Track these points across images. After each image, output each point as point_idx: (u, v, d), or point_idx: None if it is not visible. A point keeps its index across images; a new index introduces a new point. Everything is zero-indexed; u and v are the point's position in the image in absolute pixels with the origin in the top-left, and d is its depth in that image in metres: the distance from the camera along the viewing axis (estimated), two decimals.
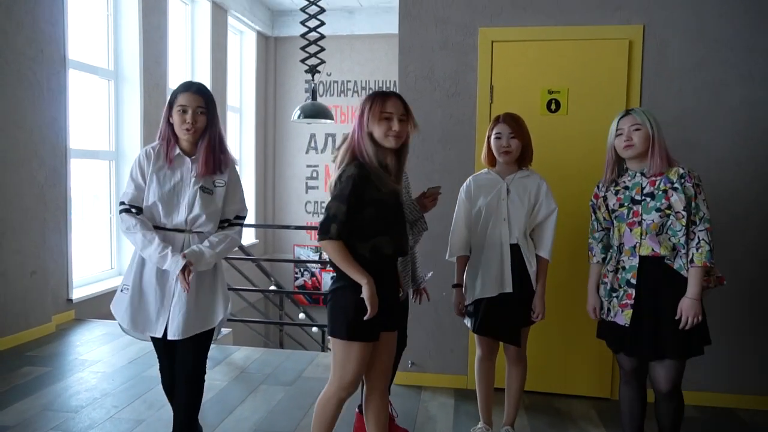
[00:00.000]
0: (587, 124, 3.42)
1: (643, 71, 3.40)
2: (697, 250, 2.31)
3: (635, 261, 2.40)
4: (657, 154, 2.37)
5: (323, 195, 8.80)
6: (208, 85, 6.92)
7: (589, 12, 3.42)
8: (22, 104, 4.31)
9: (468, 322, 2.86)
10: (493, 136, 2.72)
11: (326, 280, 8.79)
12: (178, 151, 2.34)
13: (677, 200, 2.33)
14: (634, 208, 2.41)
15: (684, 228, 2.33)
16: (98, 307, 5.09)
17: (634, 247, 2.40)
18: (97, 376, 3.69)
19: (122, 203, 2.35)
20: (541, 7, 3.46)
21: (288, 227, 8.46)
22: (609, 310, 2.51)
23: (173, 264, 2.23)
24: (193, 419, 2.51)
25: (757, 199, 3.33)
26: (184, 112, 2.29)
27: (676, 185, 2.34)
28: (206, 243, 2.33)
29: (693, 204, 2.33)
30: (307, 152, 8.87)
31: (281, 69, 8.83)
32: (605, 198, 2.52)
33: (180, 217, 2.32)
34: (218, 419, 3.15)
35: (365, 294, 2.10)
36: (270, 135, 8.88)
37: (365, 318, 2.12)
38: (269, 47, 8.78)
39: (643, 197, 2.39)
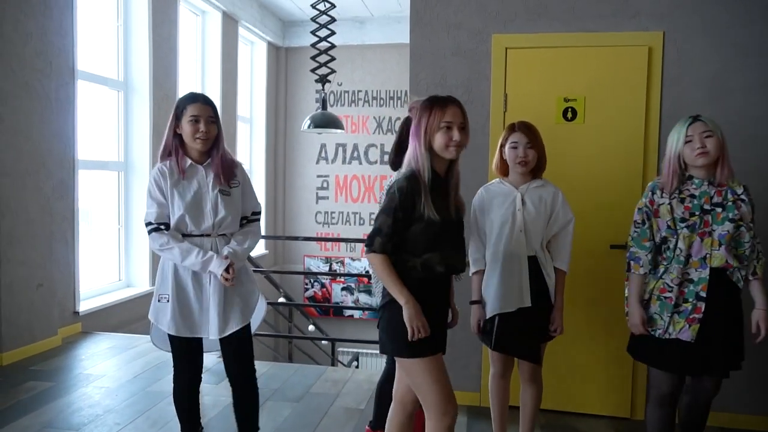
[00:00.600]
0: (605, 133, 3.31)
1: (663, 79, 3.29)
2: (758, 261, 2.35)
3: (705, 273, 2.30)
4: (726, 163, 2.33)
5: (333, 205, 8.73)
6: (218, 96, 6.98)
7: (605, 19, 3.32)
8: (30, 116, 4.28)
9: (485, 339, 2.74)
10: (508, 146, 2.61)
11: (336, 291, 8.71)
12: (189, 161, 2.40)
13: (746, 211, 2.32)
14: (705, 217, 2.32)
15: (751, 240, 2.34)
16: (105, 319, 5.04)
17: (704, 258, 2.31)
18: (101, 391, 3.61)
19: (149, 223, 2.39)
20: (556, 13, 3.37)
21: (296, 238, 8.38)
22: (668, 326, 2.35)
23: (218, 265, 2.33)
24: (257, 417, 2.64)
25: None
26: (197, 121, 2.35)
27: (743, 196, 2.33)
28: (234, 242, 2.44)
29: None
30: (317, 162, 8.80)
31: (292, 79, 8.80)
32: (671, 206, 2.36)
33: (207, 222, 2.39)
34: None
35: (406, 315, 2.01)
36: (280, 145, 8.83)
37: (409, 339, 2.01)
38: (280, 57, 8.75)
39: (713, 207, 2.32)
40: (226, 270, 2.34)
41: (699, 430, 2.54)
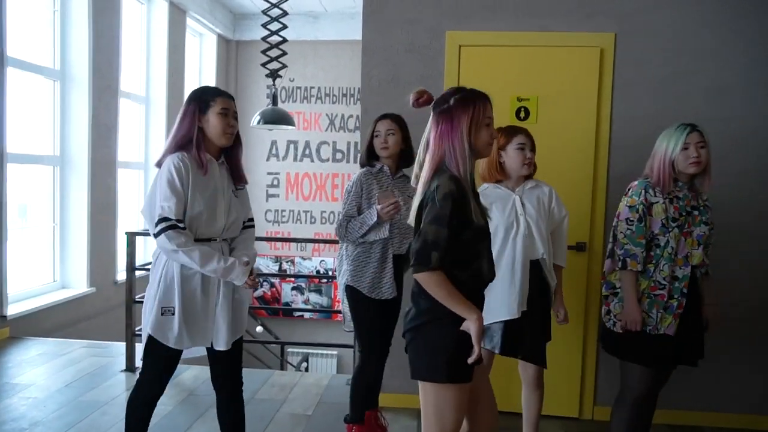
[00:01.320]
0: (557, 133, 3.30)
1: (615, 80, 3.30)
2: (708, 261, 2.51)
3: (688, 270, 2.40)
4: (710, 172, 2.43)
5: (284, 203, 8.54)
6: (164, 88, 6.70)
7: (561, 18, 3.31)
8: None
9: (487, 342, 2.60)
10: (514, 147, 2.55)
11: (286, 290, 8.52)
12: (209, 156, 2.21)
13: (710, 216, 2.48)
14: (688, 219, 2.43)
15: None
16: (37, 323, 4.73)
17: (686, 256, 2.40)
18: (27, 402, 3.36)
19: (166, 219, 2.09)
20: (511, 11, 3.33)
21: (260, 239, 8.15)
22: (658, 323, 2.39)
23: (241, 272, 2.17)
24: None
25: (730, 212, 3.25)
26: (226, 115, 2.19)
27: (707, 203, 2.49)
28: (243, 250, 2.30)
29: None
30: (268, 159, 8.59)
31: (243, 73, 8.55)
32: (665, 206, 2.40)
33: (219, 223, 2.22)
34: None
35: (474, 331, 1.79)
36: None
37: (470, 360, 1.82)
38: (231, 51, 8.50)
39: (691, 210, 2.44)
40: (251, 275, 2.22)
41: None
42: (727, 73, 3.25)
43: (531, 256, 2.53)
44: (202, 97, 2.20)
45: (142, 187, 6.69)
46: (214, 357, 2.32)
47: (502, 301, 2.50)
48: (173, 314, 2.14)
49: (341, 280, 2.81)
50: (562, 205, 2.65)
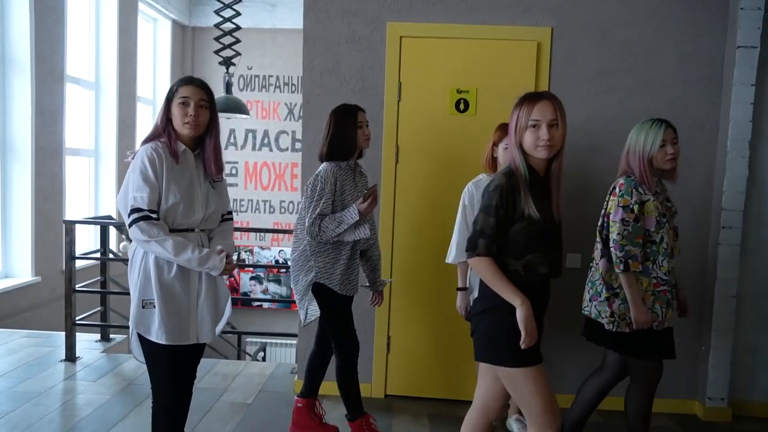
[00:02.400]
0: (495, 125, 3.34)
1: (551, 74, 3.36)
2: None
3: (674, 262, 2.53)
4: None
5: (242, 192, 8.46)
6: (115, 75, 6.55)
7: (499, 12, 3.35)
8: None
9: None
10: (504, 147, 2.72)
11: (245, 280, 8.48)
12: (183, 147, 2.17)
13: None
14: (668, 212, 2.53)
15: None
16: None
17: (672, 249, 2.51)
18: None
19: (138, 210, 2.06)
20: (451, 4, 3.36)
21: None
22: (663, 317, 2.47)
23: (217, 261, 2.11)
24: None
25: None
26: (186, 104, 2.14)
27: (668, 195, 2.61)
28: (222, 240, 2.25)
29: None
30: (226, 148, 8.47)
31: (199, 60, 8.41)
32: (656, 203, 2.45)
33: (198, 215, 2.16)
34: None
35: (520, 317, 1.89)
36: None
37: (522, 346, 1.90)
38: (186, 37, 8.35)
39: (666, 202, 2.55)
40: (227, 259, 2.15)
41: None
42: (659, 68, 3.35)
43: None
44: (171, 88, 2.19)
45: (92, 175, 6.55)
46: (196, 350, 2.25)
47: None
48: (154, 307, 2.10)
49: (306, 277, 2.74)
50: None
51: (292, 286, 2.86)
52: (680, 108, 3.36)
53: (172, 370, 2.15)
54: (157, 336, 2.09)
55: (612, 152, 3.34)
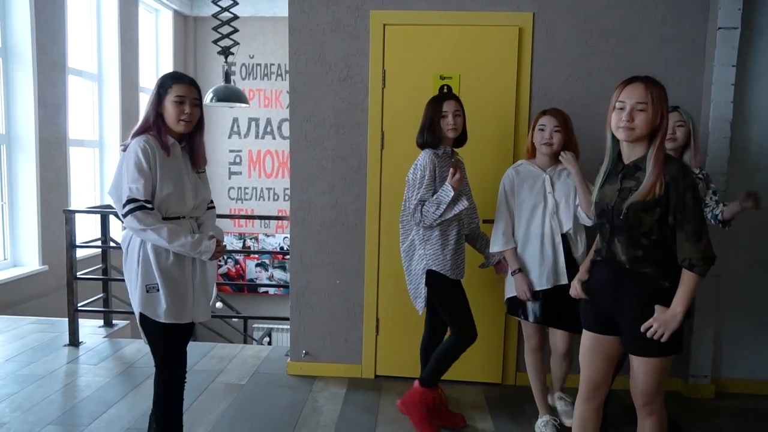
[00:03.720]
0: (478, 111, 3.39)
1: (533, 59, 3.40)
2: None
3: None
4: (698, 147, 2.83)
5: (247, 181, 8.57)
6: (117, 65, 6.66)
7: None
8: None
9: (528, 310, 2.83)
10: (537, 128, 2.76)
11: (251, 267, 8.61)
12: (172, 140, 2.29)
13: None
14: None
15: None
16: None
17: None
18: None
19: (134, 200, 2.18)
20: None
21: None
22: None
23: (209, 245, 2.27)
24: None
25: None
26: (182, 103, 2.24)
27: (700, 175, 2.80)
28: (210, 225, 2.42)
29: None
30: (230, 137, 8.59)
31: (201, 50, 8.48)
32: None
33: (189, 203, 2.32)
34: (89, 419, 2.98)
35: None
36: None
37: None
38: (188, 27, 8.42)
39: None
40: (218, 245, 2.30)
41: None
42: (640, 50, 3.36)
43: (560, 231, 2.73)
44: (163, 84, 2.26)
45: (97, 165, 6.69)
46: (190, 330, 2.43)
47: (535, 272, 2.75)
48: (158, 290, 2.24)
49: (418, 266, 2.80)
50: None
51: (405, 276, 2.90)
52: None
53: (172, 346, 2.35)
54: (165, 316, 2.25)
55: (594, 133, 3.39)
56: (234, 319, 7.59)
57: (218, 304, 7.23)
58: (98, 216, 4.80)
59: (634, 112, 1.93)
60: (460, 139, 2.89)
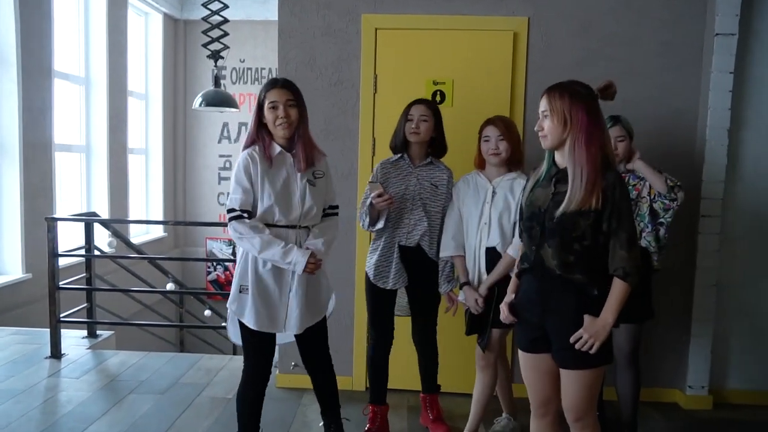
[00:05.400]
0: (472, 117, 3.29)
1: (528, 65, 3.33)
2: None
3: None
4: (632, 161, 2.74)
5: None
6: (105, 70, 6.54)
7: (475, 2, 3.32)
8: None
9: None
10: (482, 139, 2.67)
11: None
12: (279, 149, 2.36)
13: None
14: None
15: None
16: None
17: None
18: None
19: (232, 210, 2.32)
20: None
21: (198, 224, 8.10)
22: None
23: (301, 256, 2.29)
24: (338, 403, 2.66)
25: None
26: (275, 108, 2.32)
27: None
28: (315, 236, 2.40)
29: None
30: (219, 141, 8.50)
31: (192, 54, 8.39)
32: None
33: (295, 212, 2.35)
34: None
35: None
36: (180, 123, 8.45)
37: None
38: (178, 30, 8.33)
39: None
40: (311, 258, 2.31)
41: None
42: (638, 56, 3.31)
43: (486, 244, 2.64)
44: (261, 94, 2.36)
45: (84, 171, 6.57)
46: (299, 339, 2.50)
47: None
48: (248, 293, 2.33)
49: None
50: None
51: None
52: (660, 96, 3.32)
53: (258, 347, 2.42)
54: (247, 320, 2.34)
55: None
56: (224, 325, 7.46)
57: (206, 312, 7.12)
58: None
59: (542, 120, 1.98)
60: (438, 148, 2.82)
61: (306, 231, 2.40)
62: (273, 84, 2.36)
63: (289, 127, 2.34)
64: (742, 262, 3.40)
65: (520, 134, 3.33)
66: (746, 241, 3.39)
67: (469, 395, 3.40)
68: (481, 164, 2.75)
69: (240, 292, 2.36)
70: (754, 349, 3.46)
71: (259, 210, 2.31)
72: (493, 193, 2.65)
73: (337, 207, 2.54)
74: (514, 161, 2.68)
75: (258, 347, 2.42)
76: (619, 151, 2.69)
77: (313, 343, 2.53)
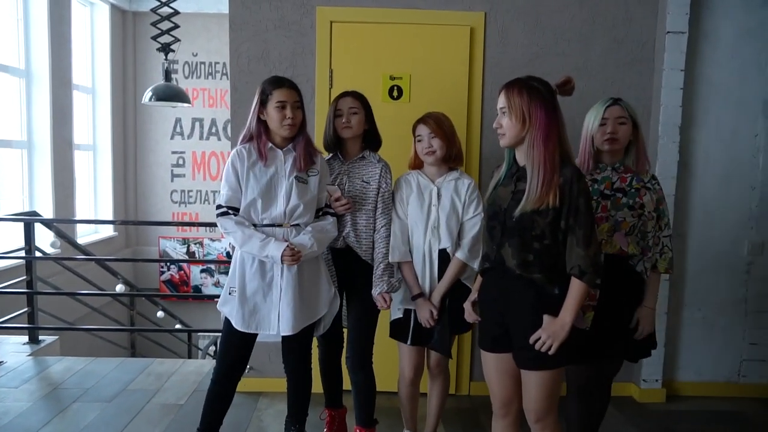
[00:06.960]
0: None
1: (485, 60, 3.31)
2: (660, 256, 2.32)
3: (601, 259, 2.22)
4: (642, 151, 2.30)
5: (191, 183, 8.24)
6: (47, 62, 6.23)
7: None
8: None
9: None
10: (416, 139, 2.53)
11: (195, 273, 8.28)
12: (270, 145, 2.35)
13: (649, 200, 2.26)
14: (603, 202, 2.25)
15: (654, 231, 2.29)
16: None
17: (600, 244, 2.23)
18: None
19: (219, 206, 2.35)
20: None
21: (151, 223, 7.85)
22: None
23: (276, 248, 2.25)
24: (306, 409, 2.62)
25: None
26: (283, 107, 2.30)
27: (648, 185, 2.27)
28: (304, 233, 2.35)
29: (660, 208, 2.30)
30: (172, 138, 8.23)
31: (141, 47, 8.09)
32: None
33: (278, 209, 2.33)
34: None
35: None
36: (130, 118, 8.15)
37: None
38: (127, 22, 8.02)
39: (613, 192, 2.26)
40: (286, 250, 2.25)
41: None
42: (592, 53, 3.33)
43: (438, 247, 2.51)
44: (264, 90, 2.33)
45: (26, 168, 6.25)
46: (284, 341, 2.47)
47: (406, 289, 2.56)
48: (234, 295, 2.35)
49: None
50: (480, 204, 2.51)
51: None
52: (613, 93, 3.30)
53: (239, 345, 2.42)
54: (235, 321, 2.35)
55: None
56: (180, 332, 7.25)
57: (159, 314, 6.90)
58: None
59: (500, 117, 1.95)
60: (371, 141, 2.65)
61: (297, 229, 2.36)
62: (280, 83, 2.33)
63: (294, 129, 2.34)
64: (692, 257, 3.48)
65: (478, 130, 3.33)
66: (696, 236, 3.46)
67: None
68: (417, 165, 2.60)
69: (229, 294, 2.38)
70: (705, 341, 3.54)
71: (243, 204, 2.31)
72: (438, 194, 2.53)
73: (325, 208, 2.46)
74: (452, 157, 2.53)
75: (238, 345, 2.42)
76: (619, 135, 2.25)
77: (297, 347, 2.49)
